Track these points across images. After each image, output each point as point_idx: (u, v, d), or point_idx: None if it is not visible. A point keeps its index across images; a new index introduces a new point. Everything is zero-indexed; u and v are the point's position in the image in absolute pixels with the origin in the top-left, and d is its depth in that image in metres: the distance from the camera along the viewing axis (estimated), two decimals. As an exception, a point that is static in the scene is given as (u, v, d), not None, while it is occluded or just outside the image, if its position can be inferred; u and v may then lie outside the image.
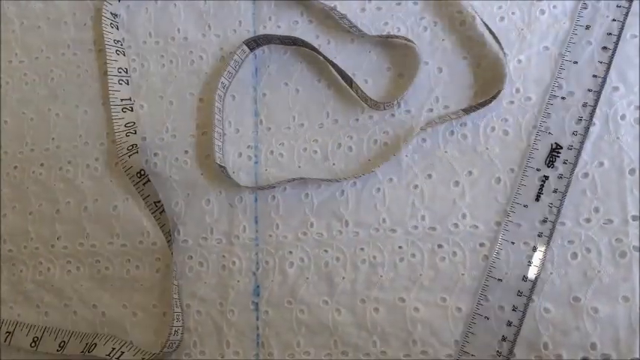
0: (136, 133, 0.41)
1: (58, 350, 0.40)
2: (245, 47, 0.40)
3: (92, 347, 0.39)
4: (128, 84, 0.42)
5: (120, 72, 0.42)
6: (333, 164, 0.38)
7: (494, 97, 0.35)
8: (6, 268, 0.43)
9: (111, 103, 0.41)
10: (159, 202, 0.39)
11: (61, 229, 0.42)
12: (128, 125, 0.41)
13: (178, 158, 0.41)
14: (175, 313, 0.38)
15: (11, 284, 0.42)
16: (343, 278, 0.36)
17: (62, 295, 0.41)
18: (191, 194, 0.40)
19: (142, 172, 0.40)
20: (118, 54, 0.42)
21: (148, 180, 0.39)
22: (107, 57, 0.42)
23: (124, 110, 0.42)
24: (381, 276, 0.36)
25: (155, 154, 0.41)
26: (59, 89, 0.44)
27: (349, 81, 0.37)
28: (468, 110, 0.35)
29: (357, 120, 0.38)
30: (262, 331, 0.37)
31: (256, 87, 0.40)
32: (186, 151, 0.41)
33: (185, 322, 0.38)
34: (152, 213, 0.40)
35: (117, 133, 0.41)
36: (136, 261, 0.40)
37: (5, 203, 0.44)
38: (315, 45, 0.38)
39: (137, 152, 0.40)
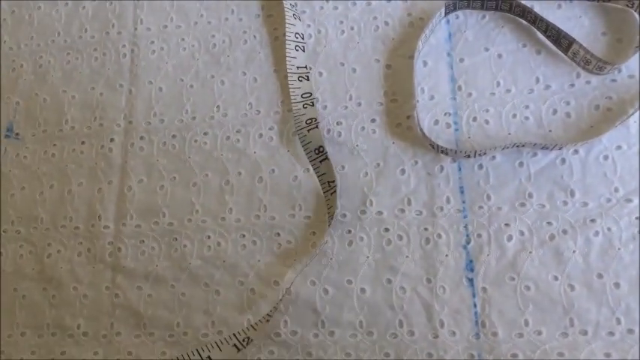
0: (313, 105, 0.33)
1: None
2: (442, 11, 0.33)
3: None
4: (304, 51, 0.34)
5: (297, 37, 0.34)
6: (550, 131, 0.31)
7: None
8: (165, 243, 0.34)
9: (288, 71, 0.34)
10: (333, 182, 0.31)
11: (232, 200, 0.34)
12: (305, 96, 0.33)
13: (365, 127, 0.33)
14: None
15: (172, 261, 0.34)
16: (574, 252, 0.29)
17: (236, 271, 0.33)
18: (382, 164, 0.32)
19: (321, 149, 0.32)
20: (295, 18, 0.35)
21: (326, 157, 0.32)
22: (286, 21, 0.34)
23: (300, 79, 0.34)
24: (619, 249, 0.29)
25: (338, 123, 0.34)
26: (222, 56, 0.36)
27: (566, 44, 0.31)
28: None
29: (573, 85, 0.31)
30: (481, 309, 0.29)
31: (451, 52, 0.33)
32: (373, 120, 0.33)
33: (387, 300, 0.30)
34: (324, 192, 0.32)
35: (294, 104, 0.33)
36: (322, 234, 0.32)
37: (163, 174, 0.35)
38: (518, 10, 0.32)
39: (317, 127, 0.32)
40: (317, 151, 0.32)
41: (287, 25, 0.34)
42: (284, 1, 0.34)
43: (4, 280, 0.35)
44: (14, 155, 0.37)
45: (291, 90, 0.33)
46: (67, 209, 0.36)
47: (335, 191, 0.32)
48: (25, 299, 0.35)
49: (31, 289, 0.35)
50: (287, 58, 0.34)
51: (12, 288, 0.35)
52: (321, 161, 0.32)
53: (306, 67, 0.34)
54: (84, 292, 0.34)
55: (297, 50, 0.34)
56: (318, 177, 0.32)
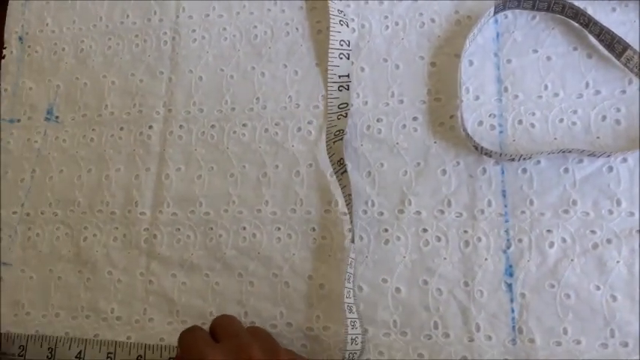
0: (346, 117, 0.32)
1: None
2: (492, 10, 0.32)
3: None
4: (348, 58, 0.34)
5: (342, 45, 0.33)
6: (597, 138, 0.30)
7: None
8: (201, 232, 0.34)
9: (328, 80, 0.33)
10: (350, 195, 0.31)
11: (268, 193, 0.33)
12: (341, 107, 0.33)
13: (406, 125, 0.33)
14: (349, 320, 0.29)
15: (208, 250, 0.34)
16: (617, 262, 0.28)
17: (270, 263, 0.32)
18: (422, 163, 0.32)
19: (342, 161, 0.31)
20: (342, 24, 0.34)
21: (345, 170, 0.31)
22: (331, 28, 0.33)
23: (340, 89, 0.33)
24: (666, 261, 0.28)
25: (378, 120, 0.33)
26: (264, 47, 0.36)
27: (619, 49, 0.30)
28: None
29: (624, 92, 0.30)
30: (519, 315, 0.29)
31: (498, 53, 0.32)
32: (415, 118, 0.32)
33: (422, 301, 0.30)
34: (346, 205, 0.31)
35: (329, 115, 0.32)
36: (361, 231, 0.32)
37: (201, 164, 0.35)
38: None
39: (341, 139, 0.32)
40: (339, 163, 0.31)
41: (332, 33, 0.33)
42: (330, 7, 0.33)
43: (40, 260, 0.36)
44: (54, 138, 0.38)
45: (329, 100, 0.33)
46: (104, 194, 0.36)
47: (352, 206, 0.31)
48: (60, 281, 0.35)
49: (67, 271, 0.35)
50: (329, 67, 0.33)
51: (48, 269, 0.35)
52: (342, 173, 0.31)
53: (348, 75, 0.33)
54: (118, 277, 0.34)
55: (340, 58, 0.33)
56: (341, 189, 0.31)
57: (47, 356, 0.33)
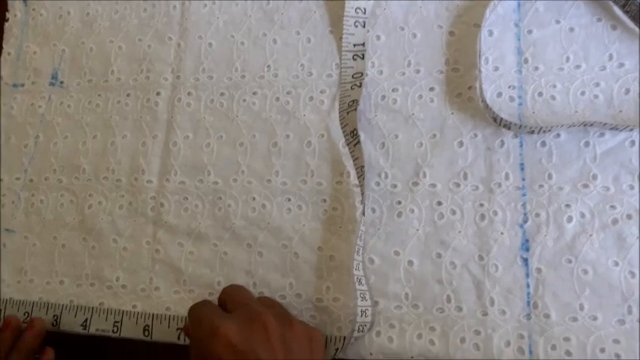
0: (360, 87, 0.31)
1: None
2: (513, -22, 0.31)
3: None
4: (364, 26, 0.33)
5: (357, 12, 0.32)
6: (620, 111, 0.29)
7: None
8: (209, 201, 0.33)
9: (343, 49, 0.32)
10: (363, 167, 0.30)
11: (279, 163, 0.33)
12: (355, 76, 0.32)
13: (423, 95, 0.32)
14: (359, 292, 0.28)
15: (216, 219, 0.33)
16: (637, 238, 0.27)
17: (280, 234, 0.32)
18: (438, 135, 0.31)
19: (355, 132, 0.30)
20: None
21: (359, 142, 0.30)
22: None
23: (355, 58, 0.32)
24: (687, 238, 0.27)
25: (394, 90, 0.32)
26: (276, 13, 0.34)
27: (645, 20, 0.29)
28: None
29: (649, 65, 0.29)
30: (534, 290, 0.28)
31: (519, 23, 0.31)
32: (431, 88, 0.32)
33: (435, 274, 0.29)
34: (358, 177, 0.30)
35: (343, 84, 0.31)
36: (373, 204, 0.31)
37: (210, 132, 0.34)
38: (597, -19, 0.30)
39: (355, 109, 0.31)
40: (352, 134, 0.30)
41: (347, 0, 0.32)
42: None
43: (44, 227, 0.35)
44: (58, 103, 0.37)
45: (343, 69, 0.32)
46: (110, 161, 0.35)
47: (364, 177, 0.30)
48: (64, 248, 0.34)
49: (71, 238, 0.34)
50: (344, 35, 0.32)
51: (52, 236, 0.35)
52: (354, 145, 0.30)
53: (363, 44, 0.32)
54: (124, 245, 0.34)
55: (356, 26, 0.32)
56: (353, 161, 0.30)
57: (52, 324, 0.32)
